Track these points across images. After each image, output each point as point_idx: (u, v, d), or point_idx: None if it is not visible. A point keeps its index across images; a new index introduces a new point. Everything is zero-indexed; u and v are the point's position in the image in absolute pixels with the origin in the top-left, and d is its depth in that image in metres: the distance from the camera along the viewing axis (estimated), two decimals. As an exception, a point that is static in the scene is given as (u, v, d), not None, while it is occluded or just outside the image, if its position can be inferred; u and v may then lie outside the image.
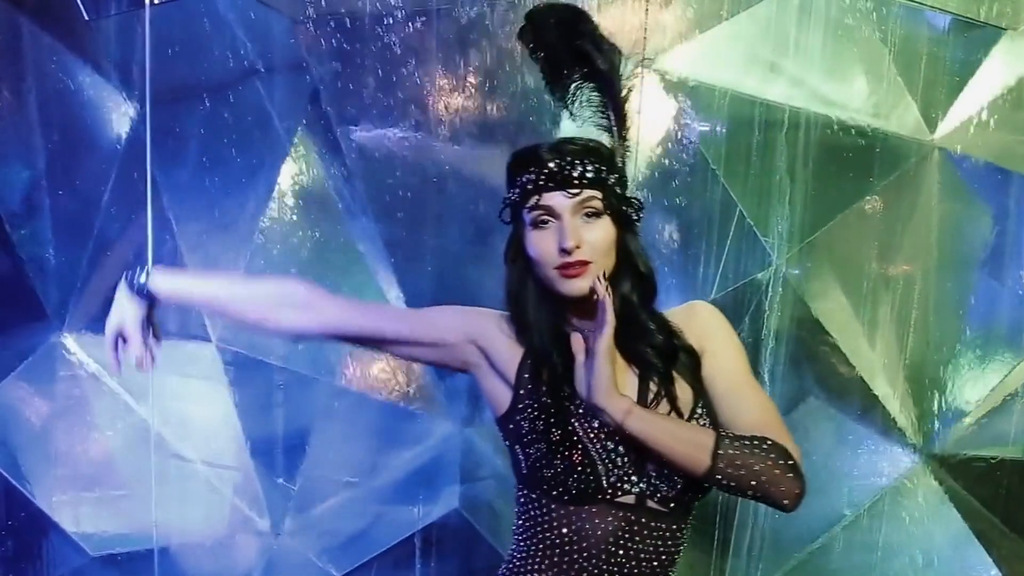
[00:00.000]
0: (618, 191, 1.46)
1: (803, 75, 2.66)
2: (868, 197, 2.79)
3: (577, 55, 1.50)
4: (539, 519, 1.47)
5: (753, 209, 2.68)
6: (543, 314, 1.46)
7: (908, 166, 2.80)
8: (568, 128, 1.57)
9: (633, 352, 1.45)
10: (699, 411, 1.45)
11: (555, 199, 1.43)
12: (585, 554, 1.43)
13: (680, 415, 1.43)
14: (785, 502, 1.36)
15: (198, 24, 2.80)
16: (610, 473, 1.42)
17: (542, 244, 1.43)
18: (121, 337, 1.59)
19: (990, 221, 2.82)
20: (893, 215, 2.80)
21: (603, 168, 1.45)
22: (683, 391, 1.45)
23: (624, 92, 1.51)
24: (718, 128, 2.64)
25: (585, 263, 1.41)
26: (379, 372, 3.08)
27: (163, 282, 1.58)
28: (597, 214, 1.44)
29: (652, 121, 2.73)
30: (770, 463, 1.35)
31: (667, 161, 2.74)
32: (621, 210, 1.45)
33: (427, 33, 2.69)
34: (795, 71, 2.68)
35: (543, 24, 1.50)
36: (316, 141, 2.90)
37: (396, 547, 2.90)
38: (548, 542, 1.46)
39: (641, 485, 1.42)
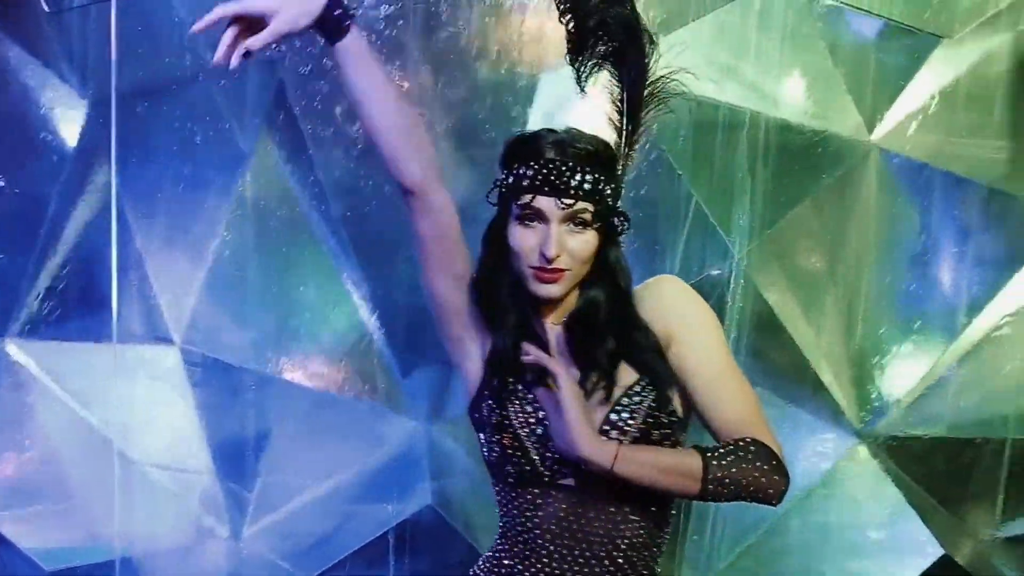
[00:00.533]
0: (610, 203, 1.41)
1: (759, 79, 2.80)
2: (816, 194, 2.95)
3: (609, 28, 1.44)
4: (503, 505, 1.48)
5: (714, 205, 2.80)
6: (511, 300, 1.44)
7: (849, 165, 2.98)
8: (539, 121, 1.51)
9: (584, 353, 1.43)
10: (637, 388, 1.41)
11: (547, 204, 1.39)
12: (540, 540, 1.43)
13: (608, 398, 1.40)
14: (773, 501, 1.37)
15: (156, 19, 2.74)
16: (544, 459, 1.41)
17: (524, 241, 1.40)
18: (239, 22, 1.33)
19: (920, 217, 3.03)
20: (838, 211, 2.97)
21: (602, 178, 1.40)
22: (624, 373, 1.42)
23: (647, 91, 1.45)
24: (680, 131, 2.75)
25: (562, 271, 1.39)
26: (341, 372, 3.07)
27: (357, 34, 1.39)
28: (585, 224, 1.40)
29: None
30: (757, 471, 1.34)
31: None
32: (609, 221, 1.42)
33: (397, 29, 2.69)
34: (752, 75, 2.81)
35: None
36: (280, 138, 2.87)
37: (368, 546, 2.89)
38: (511, 527, 1.47)
39: (573, 470, 1.41)
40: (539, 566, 1.44)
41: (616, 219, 1.42)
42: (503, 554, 1.49)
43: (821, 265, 3.05)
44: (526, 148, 1.42)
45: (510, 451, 1.43)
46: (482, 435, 1.47)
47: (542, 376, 1.37)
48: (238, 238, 2.89)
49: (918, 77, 2.83)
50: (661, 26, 2.65)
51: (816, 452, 3.14)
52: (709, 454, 1.34)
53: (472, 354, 1.50)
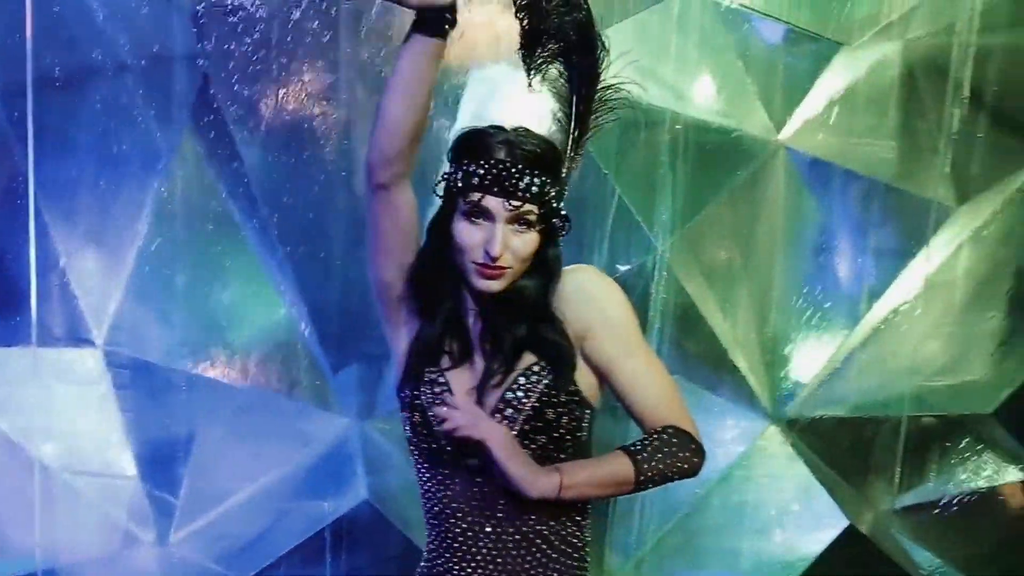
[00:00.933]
0: (554, 205, 1.46)
1: (677, 80, 2.94)
2: (730, 191, 3.12)
3: (564, 31, 1.46)
4: (422, 486, 1.53)
5: (637, 201, 2.92)
6: (446, 289, 1.48)
7: (760, 164, 3.16)
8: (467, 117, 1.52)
9: (493, 339, 1.48)
10: (536, 368, 1.46)
11: (495, 204, 1.42)
12: (452, 519, 1.48)
13: (503, 380, 1.47)
14: (692, 476, 1.48)
15: (75, 11, 2.66)
16: (450, 439, 1.43)
17: (470, 238, 1.44)
18: None
19: (823, 212, 3.24)
20: (750, 207, 3.15)
21: (548, 181, 1.44)
22: (526, 357, 1.48)
23: (596, 97, 1.49)
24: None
25: (504, 269, 1.44)
26: (270, 370, 3.05)
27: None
28: (529, 225, 1.44)
29: (540, 115, 2.90)
30: (680, 459, 1.44)
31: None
32: (552, 222, 1.46)
33: (326, 28, 2.69)
34: (671, 76, 2.95)
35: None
36: (205, 135, 2.83)
37: (304, 544, 2.88)
38: (430, 510, 1.51)
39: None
40: (456, 546, 1.48)
41: (559, 220, 1.47)
42: (430, 544, 1.53)
43: (735, 258, 3.23)
44: (476, 145, 1.45)
45: (420, 428, 1.48)
46: (403, 414, 1.52)
47: (469, 447, 1.42)
48: (162, 237, 2.83)
49: (821, 81, 3.03)
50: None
51: (733, 435, 3.31)
52: (637, 456, 1.43)
53: (406, 338, 1.53)
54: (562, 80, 1.51)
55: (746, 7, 2.86)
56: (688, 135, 2.91)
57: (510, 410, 1.47)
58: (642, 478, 1.43)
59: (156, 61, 2.74)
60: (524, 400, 1.47)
